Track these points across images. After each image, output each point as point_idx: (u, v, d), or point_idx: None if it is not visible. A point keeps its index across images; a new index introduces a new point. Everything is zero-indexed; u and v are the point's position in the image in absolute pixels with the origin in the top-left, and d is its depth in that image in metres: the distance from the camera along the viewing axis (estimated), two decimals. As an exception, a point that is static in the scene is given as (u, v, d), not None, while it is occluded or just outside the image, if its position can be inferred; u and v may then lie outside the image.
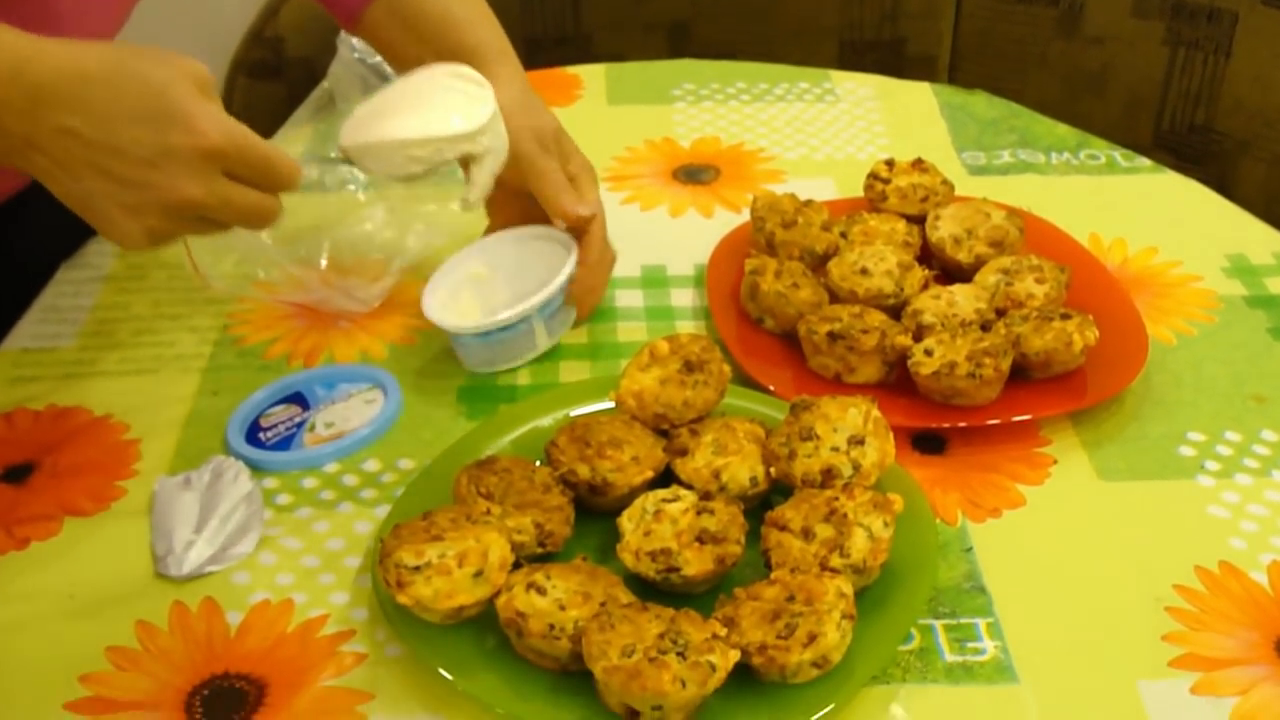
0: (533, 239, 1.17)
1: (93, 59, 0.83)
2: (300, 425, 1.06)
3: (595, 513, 0.94)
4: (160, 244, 0.89)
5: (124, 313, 1.21)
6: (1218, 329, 1.17)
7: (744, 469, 0.94)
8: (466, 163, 1.05)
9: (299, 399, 1.08)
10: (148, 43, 0.90)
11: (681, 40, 2.00)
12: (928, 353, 1.04)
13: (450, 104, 1.03)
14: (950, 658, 0.87)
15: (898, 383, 1.07)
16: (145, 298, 1.22)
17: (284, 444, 1.04)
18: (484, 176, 1.06)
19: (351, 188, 1.30)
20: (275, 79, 1.95)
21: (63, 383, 1.12)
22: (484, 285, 1.14)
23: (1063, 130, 1.48)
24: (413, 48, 1.17)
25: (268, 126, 1.62)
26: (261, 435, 1.05)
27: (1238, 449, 1.04)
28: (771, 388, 1.06)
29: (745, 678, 0.81)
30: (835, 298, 1.13)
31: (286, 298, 1.20)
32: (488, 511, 0.89)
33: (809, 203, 1.22)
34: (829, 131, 1.48)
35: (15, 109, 0.82)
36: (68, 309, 1.21)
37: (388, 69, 1.29)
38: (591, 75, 1.60)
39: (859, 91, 1.56)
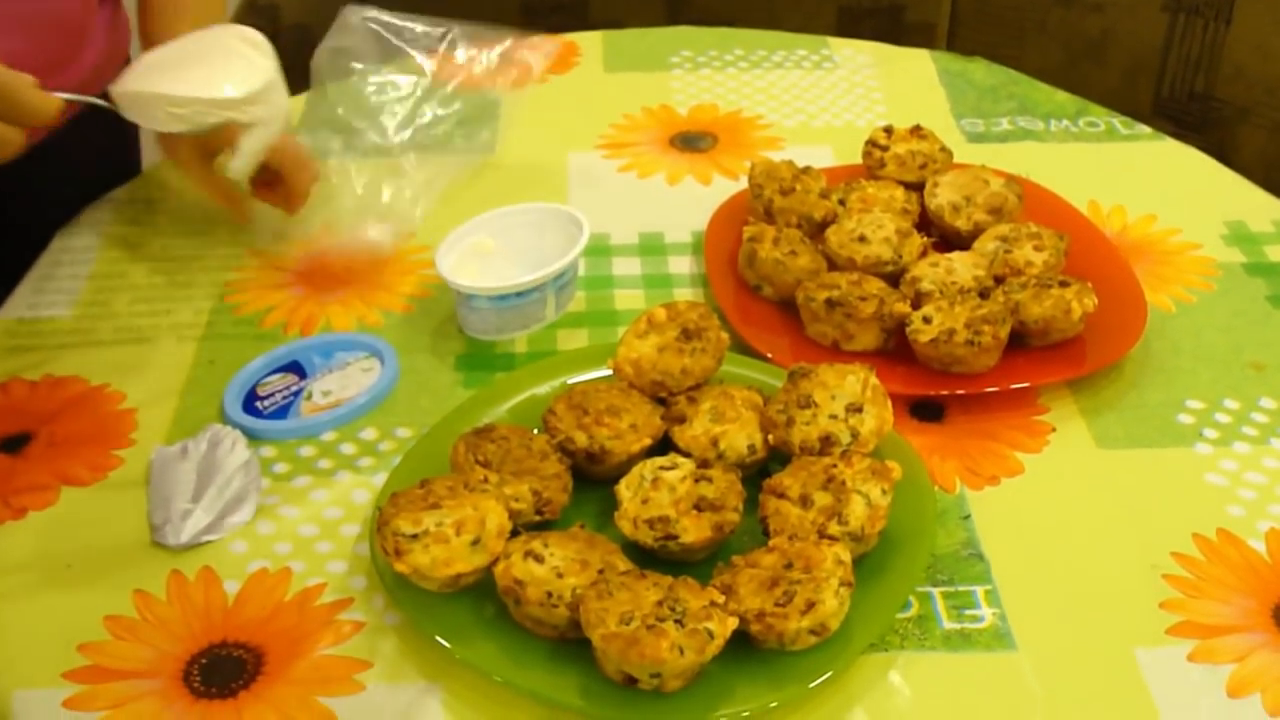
0: (541, 215, 1.17)
1: None
2: (297, 394, 1.05)
3: (593, 480, 0.94)
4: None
5: (120, 281, 1.20)
6: (1217, 296, 1.16)
7: (742, 436, 0.94)
8: (234, 129, 1.05)
9: (296, 368, 1.08)
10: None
11: (679, 7, 2.00)
12: (926, 320, 1.04)
13: (228, 68, 1.03)
14: (948, 625, 0.87)
15: (896, 350, 1.07)
16: (141, 266, 1.22)
17: (281, 413, 1.04)
18: (251, 145, 1.05)
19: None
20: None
21: (59, 352, 1.12)
22: (489, 258, 1.14)
23: (1062, 97, 1.47)
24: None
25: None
26: (259, 404, 1.04)
27: (1236, 416, 1.03)
28: (769, 355, 1.06)
29: (743, 645, 0.81)
30: (833, 265, 1.13)
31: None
32: (485, 479, 0.89)
33: (807, 170, 1.21)
34: (827, 99, 1.47)
35: None
36: (64, 278, 1.21)
37: (402, 27, 1.28)
38: (589, 42, 1.59)
39: (857, 59, 1.56)
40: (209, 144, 1.13)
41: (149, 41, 1.17)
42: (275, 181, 1.18)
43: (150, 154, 1.46)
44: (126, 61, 1.34)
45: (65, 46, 1.20)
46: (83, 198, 1.31)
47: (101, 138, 1.34)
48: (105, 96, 1.03)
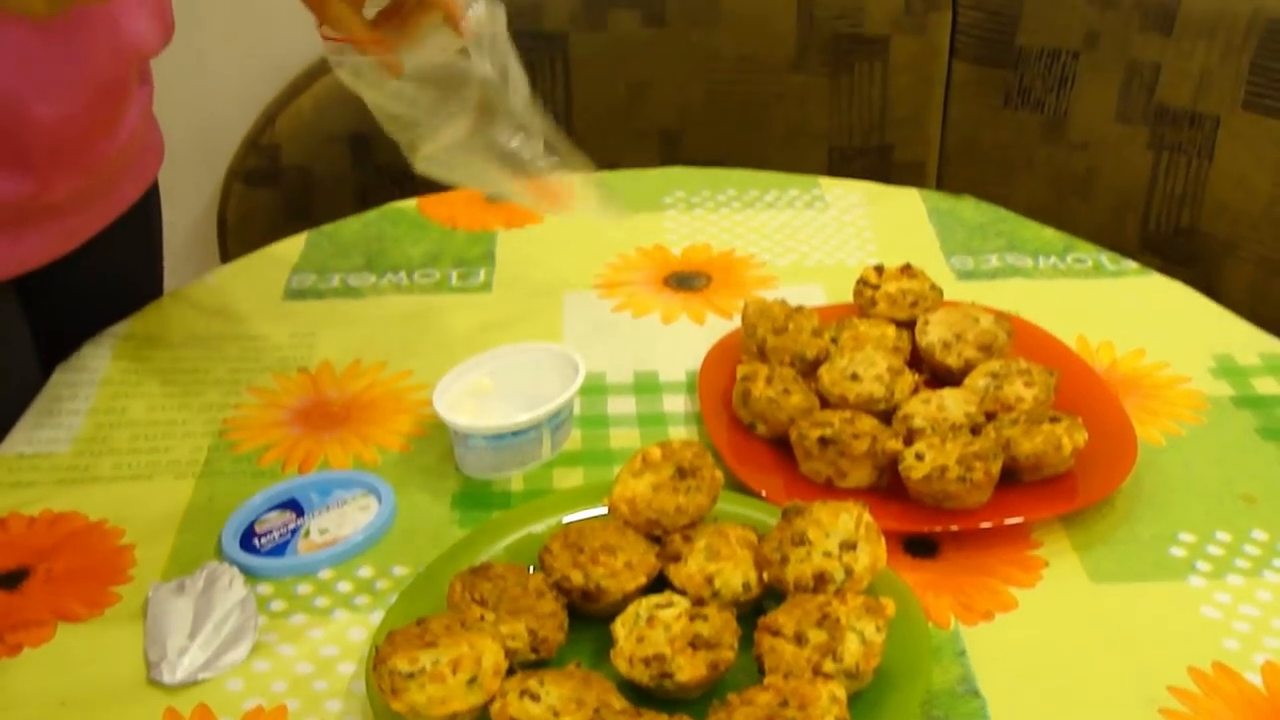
0: (538, 355, 1.19)
1: None
2: (295, 531, 1.06)
3: (589, 619, 0.94)
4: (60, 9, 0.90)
5: (120, 418, 1.21)
6: (1206, 429, 1.17)
7: (737, 574, 0.94)
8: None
9: (294, 505, 1.09)
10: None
11: (672, 147, 2.03)
12: (918, 457, 1.05)
13: None
14: (945, 763, 0.87)
15: (889, 487, 1.08)
16: (141, 403, 1.23)
17: (278, 550, 1.04)
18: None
19: None
20: (271, 186, 1.97)
21: (58, 488, 1.12)
22: (485, 397, 1.15)
23: (1049, 234, 1.50)
24: None
25: (264, 234, 1.65)
26: (256, 541, 1.05)
27: (1229, 549, 1.04)
28: (763, 493, 1.06)
29: (740, 784, 0.81)
30: (826, 403, 1.14)
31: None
32: (481, 618, 0.89)
33: (799, 309, 1.23)
34: (819, 238, 1.49)
35: None
36: (63, 414, 1.22)
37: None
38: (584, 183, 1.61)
39: (848, 198, 1.58)
40: None
41: None
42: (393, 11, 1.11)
43: (172, 279, 1.49)
44: (158, 148, 1.40)
45: (112, 111, 1.24)
46: (100, 319, 1.34)
47: (124, 259, 1.38)
48: None
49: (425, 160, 1.11)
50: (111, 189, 1.31)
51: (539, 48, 1.96)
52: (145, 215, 1.41)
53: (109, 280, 1.37)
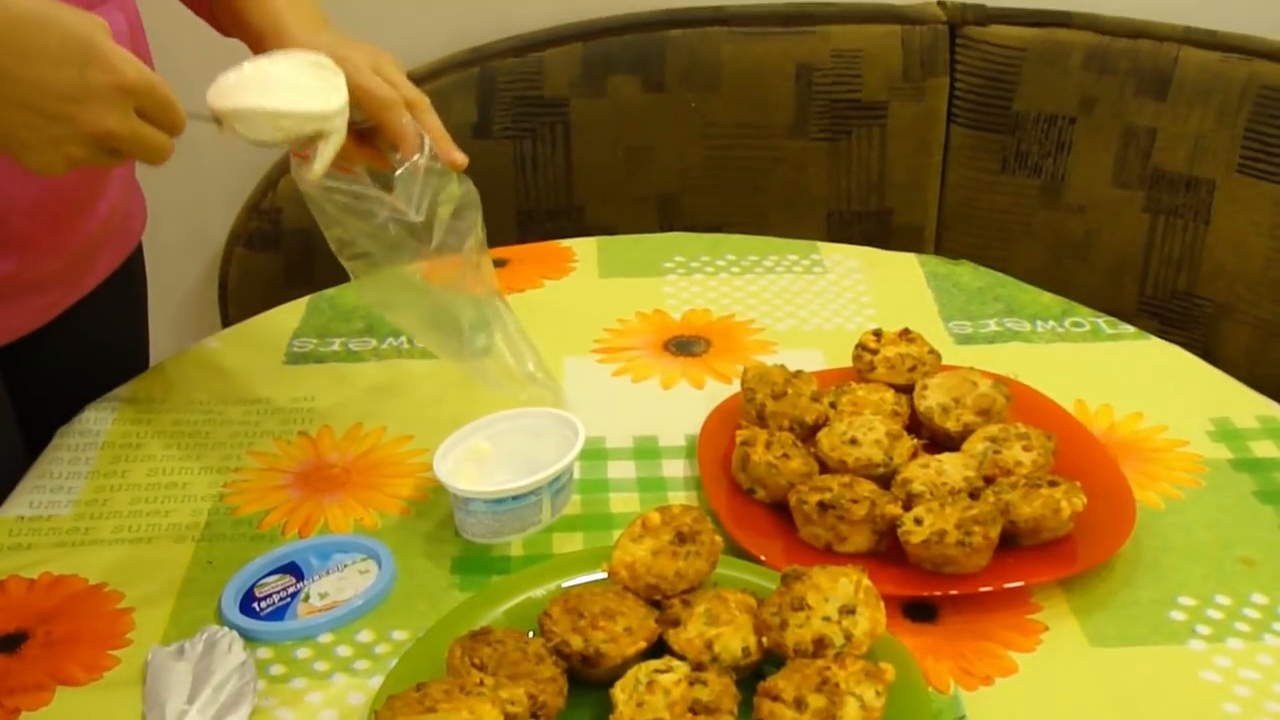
0: (538, 420, 1.19)
1: (20, 4, 0.92)
2: (294, 595, 1.06)
3: (589, 683, 0.94)
4: (73, 169, 0.97)
5: (120, 481, 1.22)
6: (1204, 493, 1.18)
7: (736, 639, 0.94)
8: (314, 140, 1.11)
9: (293, 569, 1.09)
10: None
11: (672, 212, 2.04)
12: (917, 521, 1.05)
13: (316, 86, 1.11)
14: (945, 830, 0.86)
15: (888, 551, 1.08)
16: (141, 466, 1.23)
17: (278, 614, 1.04)
18: (329, 151, 1.12)
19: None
20: (272, 250, 1.98)
21: (58, 551, 1.13)
22: (486, 462, 1.15)
23: (1047, 298, 1.50)
24: (255, 15, 1.22)
25: (265, 297, 1.66)
26: (256, 605, 1.05)
27: (1228, 613, 1.04)
28: (763, 558, 1.07)
29: None
30: (825, 468, 1.15)
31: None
32: (481, 683, 0.89)
33: (798, 374, 1.23)
34: (818, 302, 1.50)
35: None
36: (64, 476, 1.22)
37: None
38: (584, 248, 1.62)
39: (846, 263, 1.59)
40: None
41: (249, 31, 1.22)
42: (371, 134, 1.18)
43: (157, 350, 1.49)
44: (140, 213, 1.41)
45: (92, 187, 1.25)
46: (88, 388, 1.35)
47: (109, 323, 1.38)
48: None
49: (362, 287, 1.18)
50: (93, 260, 1.31)
51: (540, 113, 1.98)
52: (129, 278, 1.42)
53: (93, 345, 1.37)
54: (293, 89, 1.10)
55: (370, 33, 2.04)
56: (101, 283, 1.34)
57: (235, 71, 1.10)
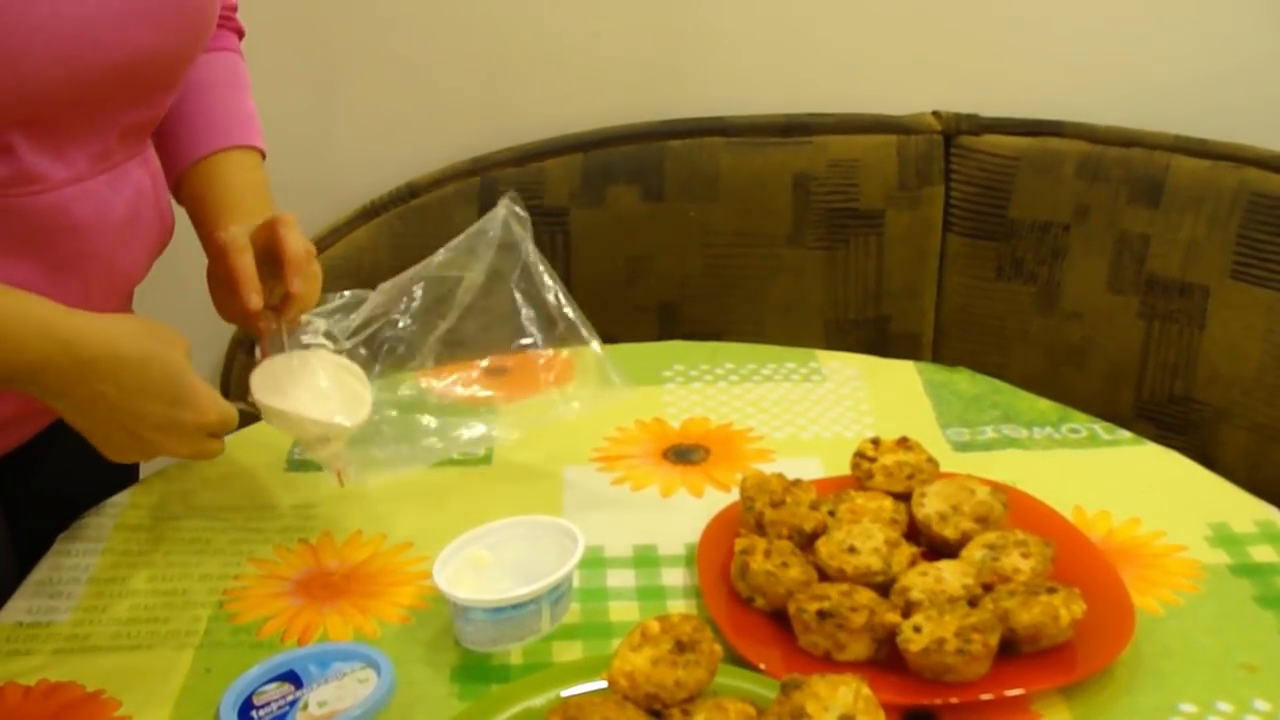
0: (537, 528, 1.20)
1: (126, 342, 1.07)
2: (293, 704, 1.05)
3: (588, 794, 0.94)
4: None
5: (120, 587, 1.22)
6: (1204, 598, 1.17)
7: (736, 749, 0.94)
8: (327, 440, 1.24)
9: (292, 677, 1.08)
10: (157, 314, 1.15)
11: (671, 320, 2.05)
12: (916, 629, 1.05)
13: (345, 396, 1.24)
14: None
15: (888, 659, 1.07)
16: (141, 573, 1.23)
17: (276, 724, 1.04)
18: (338, 447, 1.25)
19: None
20: (274, 356, 1.99)
21: (56, 658, 1.12)
22: (485, 570, 1.16)
23: (1044, 405, 1.51)
24: (210, 211, 1.30)
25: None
26: (254, 714, 1.04)
27: (1230, 721, 1.04)
28: (762, 666, 1.06)
29: None
30: (824, 576, 1.15)
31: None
32: (480, 794, 0.89)
33: (797, 482, 1.24)
34: (816, 410, 1.51)
35: (64, 375, 1.05)
36: (63, 583, 1.22)
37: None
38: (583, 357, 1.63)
39: (844, 371, 1.60)
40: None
41: (204, 237, 1.28)
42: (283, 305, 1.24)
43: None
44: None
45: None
46: (79, 497, 1.36)
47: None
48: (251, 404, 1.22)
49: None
50: None
51: (540, 222, 1.98)
52: None
53: (74, 452, 1.38)
54: (328, 398, 1.23)
55: (374, 142, 2.10)
56: None
57: (274, 360, 1.23)
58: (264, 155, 1.36)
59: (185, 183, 1.31)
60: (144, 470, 1.42)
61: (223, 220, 1.25)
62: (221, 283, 1.22)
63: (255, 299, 1.18)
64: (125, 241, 1.22)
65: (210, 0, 1.22)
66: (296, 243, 1.21)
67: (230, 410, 1.13)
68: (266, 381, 1.22)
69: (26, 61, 1.04)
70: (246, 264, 1.19)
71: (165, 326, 1.12)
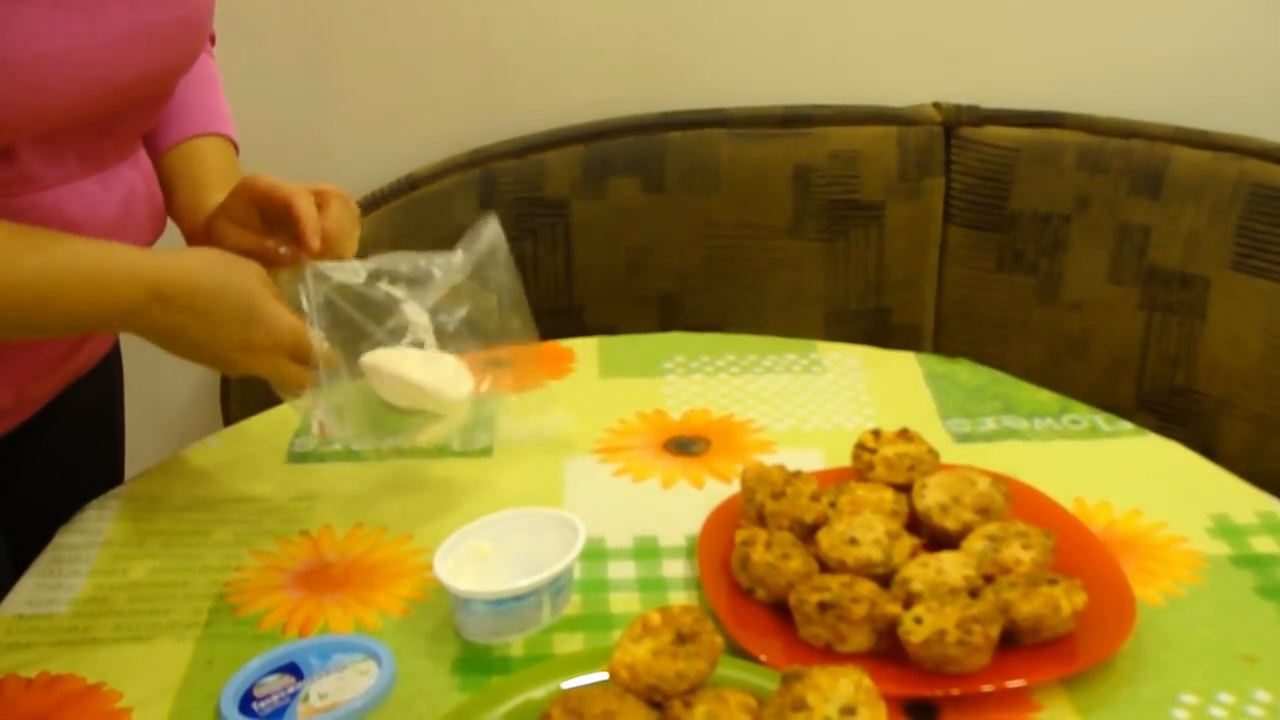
0: (538, 520, 1.20)
1: (202, 274, 1.13)
2: (294, 695, 1.06)
3: (589, 785, 0.94)
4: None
5: (120, 579, 1.22)
6: (1205, 590, 1.17)
7: (737, 740, 0.94)
8: (429, 418, 1.27)
9: (293, 669, 1.08)
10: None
11: (672, 311, 2.05)
12: (917, 621, 1.05)
13: (449, 375, 1.26)
14: None
15: (889, 651, 1.07)
16: (142, 565, 1.24)
17: (277, 714, 1.04)
18: (438, 429, 1.29)
19: None
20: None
21: (56, 650, 1.12)
22: (486, 562, 1.16)
23: (1045, 396, 1.51)
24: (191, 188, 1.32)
25: (266, 396, 1.65)
26: (255, 705, 1.04)
27: (1231, 711, 1.03)
28: (763, 658, 1.06)
29: None
30: (825, 567, 1.15)
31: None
32: (481, 786, 0.89)
33: (798, 474, 1.24)
34: (816, 402, 1.51)
35: (150, 314, 1.11)
36: (64, 575, 1.22)
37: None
38: (584, 348, 1.63)
39: (845, 362, 1.60)
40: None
41: (183, 213, 1.31)
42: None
43: (133, 464, 1.50)
44: (113, 352, 1.45)
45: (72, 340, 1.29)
46: (64, 487, 1.37)
47: (85, 435, 1.39)
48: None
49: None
50: (67, 377, 1.34)
51: (541, 214, 2.00)
52: (105, 373, 1.44)
53: (63, 442, 1.39)
54: (435, 370, 1.25)
55: (374, 134, 2.10)
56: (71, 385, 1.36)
57: (395, 349, 1.25)
58: (237, 149, 1.38)
59: (162, 166, 1.33)
60: (143, 464, 1.43)
61: (205, 196, 1.28)
62: (241, 222, 1.24)
63: (316, 241, 1.20)
64: (118, 240, 1.22)
65: (207, 14, 1.26)
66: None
67: (300, 326, 1.17)
68: (376, 355, 1.25)
69: (48, 90, 1.07)
70: (308, 206, 1.21)
71: (234, 255, 1.17)
